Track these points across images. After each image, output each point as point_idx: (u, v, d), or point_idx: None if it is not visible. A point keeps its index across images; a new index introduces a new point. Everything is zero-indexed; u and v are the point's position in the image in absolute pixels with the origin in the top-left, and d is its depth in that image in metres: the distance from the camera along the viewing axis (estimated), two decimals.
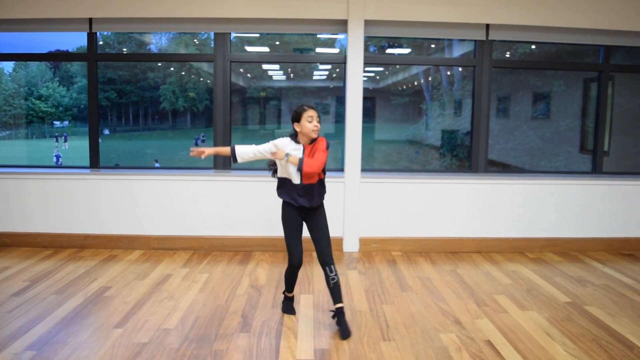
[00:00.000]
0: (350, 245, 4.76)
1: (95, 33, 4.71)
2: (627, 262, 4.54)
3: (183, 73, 5.31)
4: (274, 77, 6.26)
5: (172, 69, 5.42)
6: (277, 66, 6.06)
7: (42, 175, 4.70)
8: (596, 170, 5.08)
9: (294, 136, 2.85)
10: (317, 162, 2.76)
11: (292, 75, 5.69)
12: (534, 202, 4.78)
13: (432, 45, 5.71)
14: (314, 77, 6.15)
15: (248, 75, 6.17)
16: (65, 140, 5.78)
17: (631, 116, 5.82)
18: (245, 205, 4.70)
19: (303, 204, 2.83)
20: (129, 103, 5.39)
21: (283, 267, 4.23)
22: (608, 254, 4.79)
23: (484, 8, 4.59)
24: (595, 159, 5.10)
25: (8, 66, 5.48)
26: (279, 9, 4.52)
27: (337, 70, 5.34)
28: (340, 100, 5.75)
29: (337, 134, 5.71)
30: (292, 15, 4.54)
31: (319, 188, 2.89)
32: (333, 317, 2.90)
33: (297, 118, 2.79)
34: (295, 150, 2.82)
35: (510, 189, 4.76)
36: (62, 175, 4.70)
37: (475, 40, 4.81)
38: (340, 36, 5.01)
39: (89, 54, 4.71)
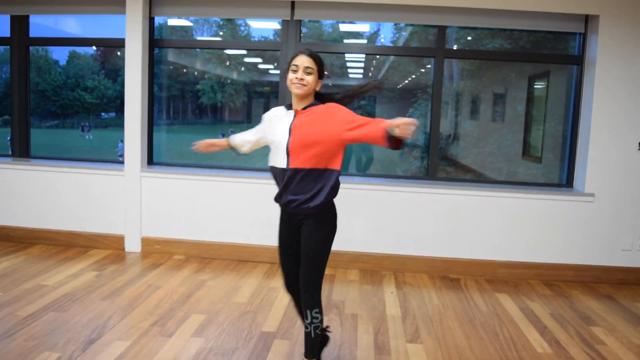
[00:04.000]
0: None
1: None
2: (434, 288, 3.77)
3: (221, 68, 5.33)
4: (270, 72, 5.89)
5: (211, 63, 5.39)
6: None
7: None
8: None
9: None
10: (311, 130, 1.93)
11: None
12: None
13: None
14: None
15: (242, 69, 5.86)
16: (88, 131, 5.98)
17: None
18: (36, 194, 4.39)
19: (286, 201, 2.04)
20: (170, 97, 5.27)
21: (38, 261, 3.89)
22: (427, 276, 4.02)
23: None
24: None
25: (62, 58, 5.74)
26: None
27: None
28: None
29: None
30: None
31: (319, 180, 1.99)
32: None
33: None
34: (280, 119, 2.07)
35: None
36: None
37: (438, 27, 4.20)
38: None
39: (18, 37, 4.57)
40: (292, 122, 2.00)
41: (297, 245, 2.10)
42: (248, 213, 4.21)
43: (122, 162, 4.39)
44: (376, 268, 4.14)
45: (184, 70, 5.39)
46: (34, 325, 2.87)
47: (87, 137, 6.03)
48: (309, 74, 1.97)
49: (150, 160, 4.50)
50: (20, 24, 4.55)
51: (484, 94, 5.00)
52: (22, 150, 4.71)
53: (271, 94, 5.42)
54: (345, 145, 2.01)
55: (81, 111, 5.94)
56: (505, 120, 4.89)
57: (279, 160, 2.01)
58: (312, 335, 2.09)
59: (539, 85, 4.73)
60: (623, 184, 3.97)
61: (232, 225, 4.23)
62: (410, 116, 4.65)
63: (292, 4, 4.16)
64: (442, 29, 4.16)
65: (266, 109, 2.34)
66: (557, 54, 4.43)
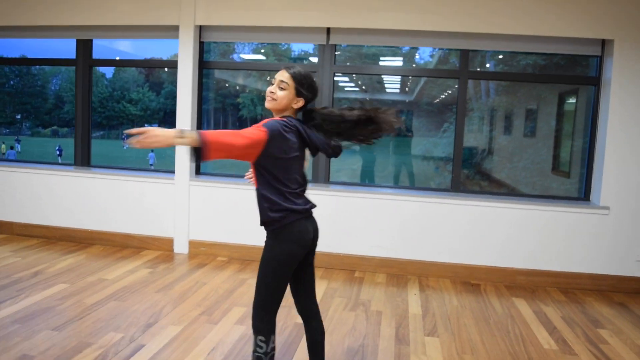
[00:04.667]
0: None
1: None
2: (455, 292, 4.07)
3: (260, 82, 5.58)
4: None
5: (251, 77, 5.69)
6: None
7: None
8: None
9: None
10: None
11: None
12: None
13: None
14: None
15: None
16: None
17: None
18: (97, 199, 4.94)
19: None
20: (210, 110, 5.50)
21: (98, 259, 4.40)
22: (450, 281, 4.32)
23: (325, 13, 4.42)
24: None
25: (109, 71, 6.12)
26: (127, 17, 4.74)
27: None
28: None
29: None
30: (133, 22, 4.73)
31: (259, 198, 1.95)
32: None
33: None
34: None
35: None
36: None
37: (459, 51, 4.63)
38: None
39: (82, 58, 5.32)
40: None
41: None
42: None
43: (154, 170, 4.90)
44: (401, 272, 4.47)
45: (226, 85, 5.79)
46: (100, 311, 3.33)
47: (124, 147, 6.34)
48: (282, 89, 1.94)
49: (198, 170, 4.98)
50: (84, 46, 5.12)
51: (517, 109, 5.22)
52: (83, 160, 5.27)
53: None
54: (258, 163, 1.88)
55: (126, 122, 6.21)
56: (537, 136, 5.12)
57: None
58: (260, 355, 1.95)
59: (569, 101, 4.95)
60: (637, 198, 4.18)
61: None
62: (444, 131, 5.02)
63: (328, 30, 4.58)
64: (465, 53, 4.50)
65: None
66: (578, 75, 4.69)
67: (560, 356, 2.95)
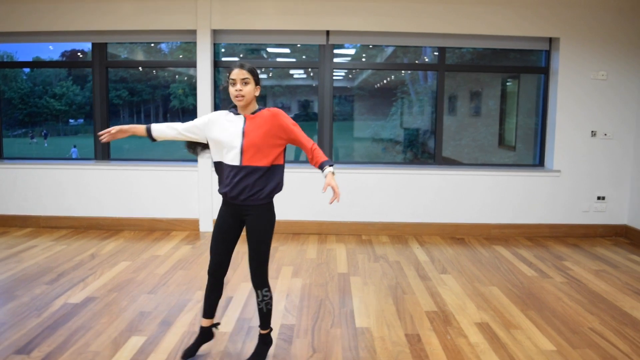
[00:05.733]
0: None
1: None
2: (447, 244, 5.05)
3: (192, 72, 5.64)
4: (295, 76, 6.44)
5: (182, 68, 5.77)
6: None
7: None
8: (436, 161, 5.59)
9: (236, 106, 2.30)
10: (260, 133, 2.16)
11: (311, 74, 5.94)
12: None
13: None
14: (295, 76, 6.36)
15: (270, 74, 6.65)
16: (45, 138, 6.14)
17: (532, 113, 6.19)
18: (119, 189, 5.46)
19: (235, 194, 2.25)
20: (141, 101, 5.48)
21: (136, 242, 4.97)
22: (440, 237, 5.30)
23: (324, 16, 5.18)
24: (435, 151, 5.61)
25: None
26: (142, 22, 5.24)
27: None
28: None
29: None
30: (151, 27, 5.27)
31: (263, 178, 2.24)
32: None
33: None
34: (230, 122, 2.25)
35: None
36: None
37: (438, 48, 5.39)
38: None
39: (99, 60, 5.53)
40: (244, 126, 2.21)
41: (234, 234, 2.39)
42: (299, 196, 5.38)
43: (175, 160, 5.51)
44: (400, 233, 5.39)
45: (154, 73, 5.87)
46: (175, 277, 3.99)
47: (44, 144, 6.14)
48: (246, 84, 2.17)
49: None
50: (100, 49, 5.56)
51: (462, 92, 6.05)
52: (104, 154, 5.74)
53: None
54: (286, 145, 2.31)
55: (50, 119, 5.92)
56: (482, 115, 6.06)
57: (229, 158, 2.22)
58: (264, 311, 2.44)
59: (509, 84, 5.95)
60: (582, 162, 5.33)
61: (288, 206, 5.37)
62: (392, 114, 5.93)
63: (327, 32, 5.35)
64: (442, 50, 5.44)
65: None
66: (529, 66, 5.77)
67: (541, 279, 3.99)
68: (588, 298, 3.59)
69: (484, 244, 5.10)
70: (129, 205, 5.54)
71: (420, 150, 5.98)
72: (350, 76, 6.09)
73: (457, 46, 5.52)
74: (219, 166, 2.31)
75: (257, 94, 2.24)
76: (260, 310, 2.46)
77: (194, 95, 5.55)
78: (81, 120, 6.01)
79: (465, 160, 5.84)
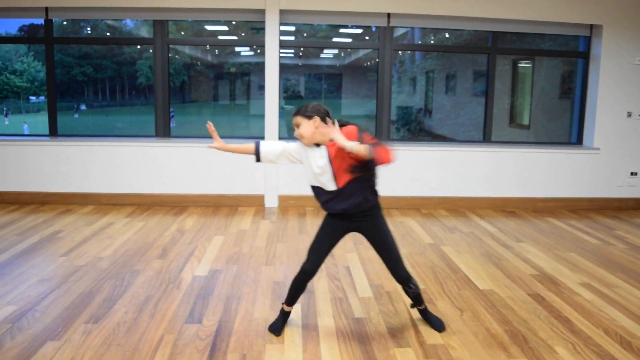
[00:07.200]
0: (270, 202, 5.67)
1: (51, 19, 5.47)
2: (503, 217, 5.47)
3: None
4: (242, 54, 6.85)
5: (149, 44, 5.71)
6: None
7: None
8: (485, 139, 5.98)
9: None
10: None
11: (258, 51, 6.13)
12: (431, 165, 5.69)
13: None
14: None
15: (216, 52, 6.84)
16: (6, 115, 5.93)
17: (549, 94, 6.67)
18: (181, 166, 5.56)
19: (337, 208, 2.42)
20: (106, 78, 5.38)
21: (211, 217, 5.14)
22: (492, 210, 5.72)
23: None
24: (485, 130, 6.00)
25: None
26: (209, 0, 5.31)
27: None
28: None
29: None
30: (218, 5, 5.34)
31: (357, 186, 2.38)
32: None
33: None
34: (316, 151, 2.40)
35: (412, 154, 5.65)
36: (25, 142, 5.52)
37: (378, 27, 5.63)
38: None
39: (47, 37, 5.47)
40: (328, 155, 2.34)
41: (339, 240, 2.57)
42: None
43: (242, 137, 5.67)
44: (456, 207, 5.79)
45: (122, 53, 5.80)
46: (278, 247, 4.22)
47: (5, 122, 5.97)
48: (299, 126, 2.36)
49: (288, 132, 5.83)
50: (162, 27, 5.60)
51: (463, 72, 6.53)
52: (165, 131, 5.83)
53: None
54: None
55: (11, 96, 5.81)
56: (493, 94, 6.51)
57: (324, 182, 2.39)
58: (417, 294, 2.66)
59: (522, 66, 6.37)
60: (618, 140, 5.84)
61: None
62: (399, 92, 6.28)
63: (388, 14, 5.58)
64: (495, 34, 5.77)
65: None
66: (570, 50, 6.16)
67: (606, 246, 4.47)
68: None
69: (535, 216, 5.56)
70: (193, 181, 5.67)
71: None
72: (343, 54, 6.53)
73: (505, 30, 5.86)
74: (315, 189, 2.50)
75: (316, 125, 2.33)
76: (413, 295, 2.68)
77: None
78: (42, 98, 5.78)
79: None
